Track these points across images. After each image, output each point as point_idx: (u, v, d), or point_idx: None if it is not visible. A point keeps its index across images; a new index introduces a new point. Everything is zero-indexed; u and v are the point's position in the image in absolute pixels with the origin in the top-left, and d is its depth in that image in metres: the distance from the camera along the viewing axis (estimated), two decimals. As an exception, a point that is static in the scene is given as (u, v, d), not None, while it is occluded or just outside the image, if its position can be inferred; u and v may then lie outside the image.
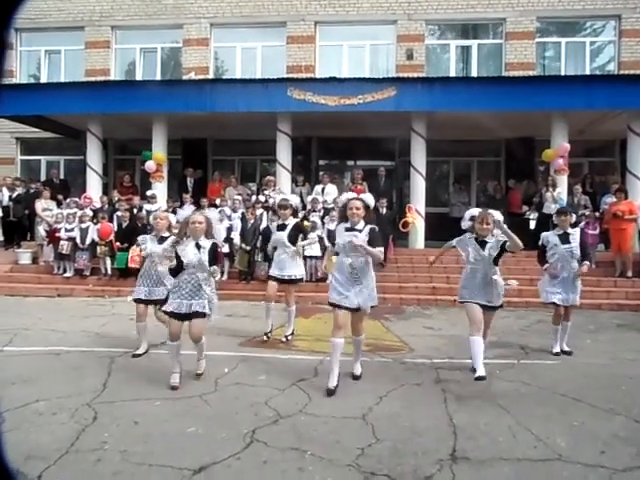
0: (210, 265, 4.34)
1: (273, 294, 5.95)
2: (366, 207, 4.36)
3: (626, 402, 4.07)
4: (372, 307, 4.41)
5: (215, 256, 4.42)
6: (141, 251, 5.59)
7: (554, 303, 5.43)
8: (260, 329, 6.17)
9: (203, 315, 4.36)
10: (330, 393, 4.19)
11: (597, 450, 3.23)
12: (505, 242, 4.42)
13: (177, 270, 4.41)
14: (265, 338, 5.94)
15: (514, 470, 2.99)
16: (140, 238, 5.55)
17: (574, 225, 5.73)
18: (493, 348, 5.59)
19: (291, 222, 5.94)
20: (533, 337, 6.31)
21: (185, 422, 3.59)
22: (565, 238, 5.42)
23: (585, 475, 2.95)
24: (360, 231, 4.29)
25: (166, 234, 5.31)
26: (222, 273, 9.48)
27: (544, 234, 5.67)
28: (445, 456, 3.13)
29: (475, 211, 4.73)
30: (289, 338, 5.99)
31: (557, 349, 5.55)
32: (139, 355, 5.31)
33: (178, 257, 4.37)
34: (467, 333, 5.79)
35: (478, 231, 4.55)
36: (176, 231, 5.02)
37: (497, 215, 4.56)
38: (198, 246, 4.35)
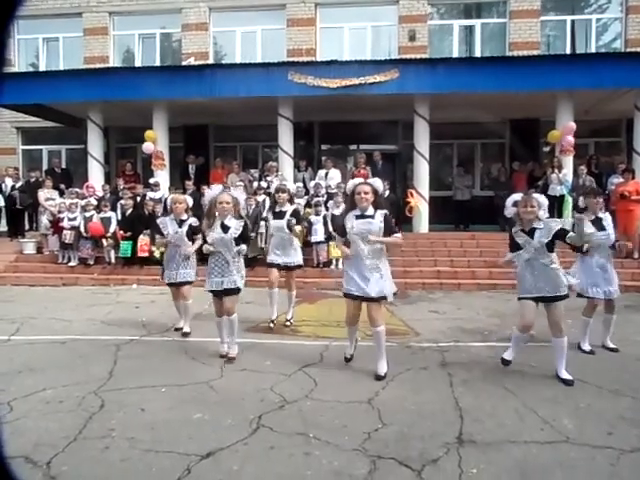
0: (237, 244, 4.54)
1: (276, 281, 5.95)
2: (374, 192, 4.22)
3: (633, 383, 4.05)
4: (394, 294, 4.30)
5: (244, 236, 4.62)
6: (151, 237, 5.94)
7: (593, 297, 4.93)
8: (265, 315, 6.17)
9: (235, 291, 4.63)
10: (347, 360, 4.56)
11: (604, 431, 3.22)
12: (561, 232, 4.08)
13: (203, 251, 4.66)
14: (271, 325, 5.94)
15: (521, 452, 2.99)
16: (159, 220, 5.74)
17: (584, 209, 5.31)
18: (498, 331, 5.58)
19: (289, 209, 5.85)
20: (538, 319, 6.25)
21: (191, 408, 3.60)
22: (599, 224, 4.86)
23: (593, 456, 2.94)
24: (372, 217, 4.18)
25: (185, 217, 5.55)
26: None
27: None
28: (452, 439, 3.13)
29: (517, 196, 4.35)
30: (292, 322, 6.04)
31: (587, 346, 5.02)
32: (180, 329, 5.70)
33: (204, 238, 4.60)
34: (471, 316, 5.75)
35: (523, 215, 4.15)
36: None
37: (541, 199, 4.24)
38: (223, 226, 4.53)
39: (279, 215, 5.84)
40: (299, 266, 6.05)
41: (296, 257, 5.97)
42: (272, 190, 6.26)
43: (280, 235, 5.85)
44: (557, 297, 4.15)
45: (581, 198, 5.32)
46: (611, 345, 5.09)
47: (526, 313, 4.22)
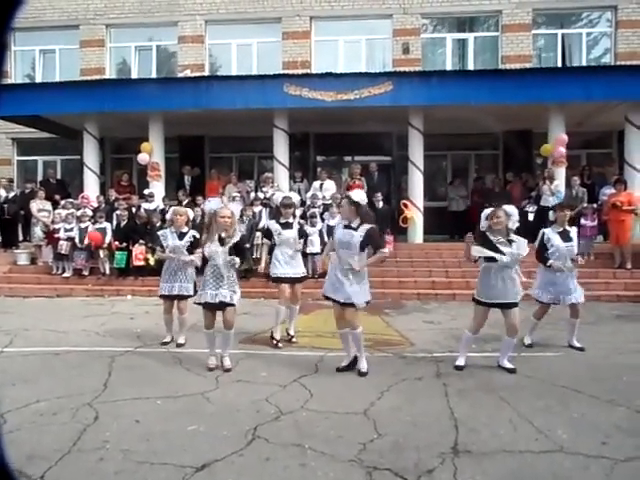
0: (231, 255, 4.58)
1: (289, 296, 5.77)
2: (353, 203, 4.51)
3: (627, 393, 4.08)
4: (367, 303, 4.55)
5: (239, 249, 4.68)
6: (152, 247, 5.93)
7: (543, 302, 5.47)
8: (260, 326, 6.17)
9: (230, 305, 4.64)
10: (338, 369, 4.67)
11: (598, 441, 3.24)
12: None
13: (203, 264, 4.73)
14: (280, 345, 5.66)
15: (516, 462, 3.00)
16: (160, 233, 5.77)
17: (576, 218, 5.74)
18: (493, 341, 5.59)
19: (295, 221, 5.89)
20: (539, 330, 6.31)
21: (186, 420, 3.58)
22: (566, 236, 5.37)
23: (587, 466, 2.95)
24: (356, 229, 4.48)
25: (185, 229, 5.62)
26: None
27: (545, 231, 5.55)
28: (447, 449, 3.14)
29: (489, 211, 4.77)
30: (296, 338, 5.84)
31: (529, 340, 5.59)
32: (167, 343, 5.68)
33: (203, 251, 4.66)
34: (466, 326, 5.76)
35: (493, 226, 4.63)
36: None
37: (510, 210, 4.67)
38: (220, 238, 4.58)
39: (287, 226, 5.76)
40: (306, 277, 5.97)
41: (302, 268, 5.88)
42: (274, 202, 6.28)
43: (289, 246, 5.70)
44: (511, 304, 4.61)
45: (551, 212, 5.73)
46: (577, 344, 5.46)
47: (479, 316, 4.71)
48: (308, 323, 6.71)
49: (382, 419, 3.59)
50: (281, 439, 3.28)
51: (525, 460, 3.03)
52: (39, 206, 10.59)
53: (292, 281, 5.76)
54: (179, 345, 5.56)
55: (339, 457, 3.04)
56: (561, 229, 5.43)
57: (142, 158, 11.13)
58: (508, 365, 4.72)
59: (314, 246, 9.00)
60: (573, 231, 5.50)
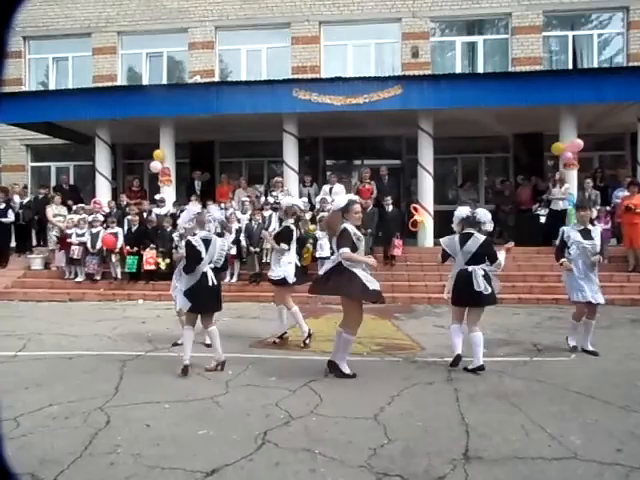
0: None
1: (276, 296, 6.11)
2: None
3: (641, 399, 4.01)
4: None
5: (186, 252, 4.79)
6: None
7: (579, 301, 5.29)
8: (270, 330, 6.18)
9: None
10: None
11: (613, 448, 3.18)
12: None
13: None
14: (277, 340, 5.90)
15: (528, 469, 2.96)
16: (176, 235, 5.95)
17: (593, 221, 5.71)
18: (505, 345, 5.55)
19: (290, 224, 6.05)
20: (545, 334, 6.25)
21: (197, 424, 3.59)
22: (587, 234, 5.28)
23: (601, 473, 2.90)
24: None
25: None
26: (232, 275, 9.53)
27: (565, 228, 5.52)
28: (458, 456, 3.11)
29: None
30: (307, 342, 5.83)
31: (573, 342, 5.44)
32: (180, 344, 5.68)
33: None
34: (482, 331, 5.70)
35: None
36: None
37: (476, 213, 4.96)
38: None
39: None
40: (282, 282, 5.84)
41: (281, 272, 5.80)
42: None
43: (276, 248, 5.97)
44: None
45: (573, 211, 5.75)
46: (590, 348, 5.35)
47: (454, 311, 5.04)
48: (318, 327, 6.69)
49: (392, 424, 3.57)
50: (291, 444, 3.27)
51: (537, 467, 2.98)
52: (55, 211, 10.74)
53: (271, 283, 6.04)
54: (208, 346, 5.50)
55: (349, 462, 3.02)
56: (582, 227, 5.34)
57: (154, 166, 11.25)
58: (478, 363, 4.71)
59: (323, 250, 9.01)
60: (595, 230, 5.41)
